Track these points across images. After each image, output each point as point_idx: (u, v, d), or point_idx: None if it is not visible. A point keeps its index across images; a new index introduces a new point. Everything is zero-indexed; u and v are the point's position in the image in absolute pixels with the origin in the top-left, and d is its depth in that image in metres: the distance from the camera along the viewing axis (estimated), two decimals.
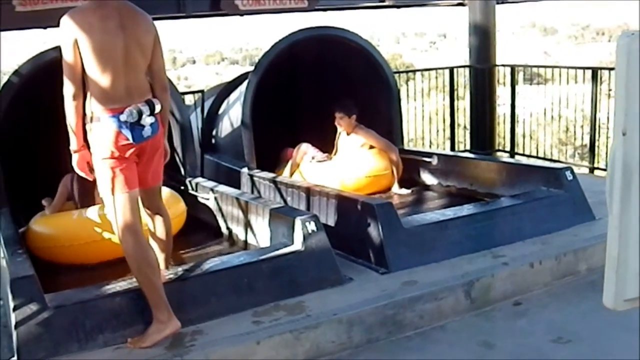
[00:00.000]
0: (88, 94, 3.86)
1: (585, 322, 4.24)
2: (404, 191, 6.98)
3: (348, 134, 7.15)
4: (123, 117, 3.80)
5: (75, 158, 3.99)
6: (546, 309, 4.49)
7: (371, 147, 7.10)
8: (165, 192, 5.56)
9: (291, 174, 7.16)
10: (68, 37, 3.78)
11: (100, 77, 3.80)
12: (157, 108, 3.94)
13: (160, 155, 4.21)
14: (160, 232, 4.48)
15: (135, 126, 3.83)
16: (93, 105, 3.85)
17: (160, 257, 4.39)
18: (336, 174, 6.78)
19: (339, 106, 7.09)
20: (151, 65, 4.06)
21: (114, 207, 3.89)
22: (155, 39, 4.06)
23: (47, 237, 5.50)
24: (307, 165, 7.16)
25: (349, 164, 6.94)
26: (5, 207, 5.87)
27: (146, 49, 3.98)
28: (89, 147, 3.97)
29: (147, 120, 3.86)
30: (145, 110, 3.85)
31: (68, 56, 3.80)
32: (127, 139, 3.83)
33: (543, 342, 4.03)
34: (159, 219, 4.45)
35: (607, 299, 1.95)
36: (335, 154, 7.30)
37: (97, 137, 3.87)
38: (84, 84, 3.85)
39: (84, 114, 3.89)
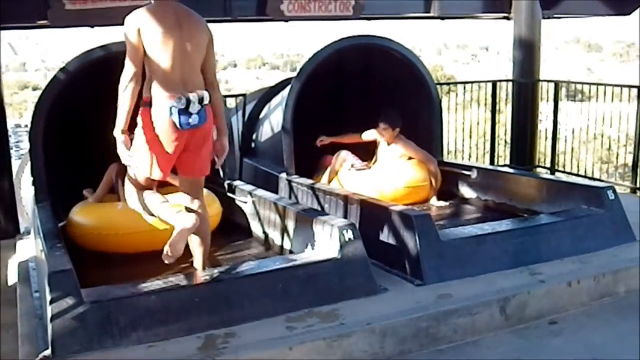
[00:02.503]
0: (145, 81, 4.28)
1: (622, 344, 4.18)
2: (442, 203, 6.95)
3: (388, 144, 7.13)
4: (172, 103, 4.17)
5: (120, 141, 4.31)
6: (582, 329, 4.42)
7: (410, 157, 7.07)
8: None
9: (329, 181, 7.15)
10: (133, 27, 4.18)
11: (157, 65, 4.22)
12: (206, 100, 4.27)
13: (208, 149, 4.51)
14: (197, 237, 4.63)
15: (183, 113, 4.17)
16: (147, 90, 4.27)
17: (197, 252, 4.65)
18: (374, 183, 6.76)
19: (384, 117, 7.07)
20: (203, 65, 4.43)
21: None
22: (210, 41, 4.46)
23: (89, 225, 5.68)
24: (346, 173, 7.15)
25: (388, 173, 6.91)
26: (46, 201, 5.94)
27: (200, 47, 4.36)
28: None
29: (194, 108, 4.19)
30: (194, 99, 4.18)
31: (132, 44, 4.20)
32: (175, 124, 4.21)
33: None
34: (202, 219, 4.58)
35: None
36: (374, 163, 7.29)
37: (145, 119, 4.27)
38: (143, 73, 4.27)
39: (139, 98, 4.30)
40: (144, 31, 4.17)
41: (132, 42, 4.19)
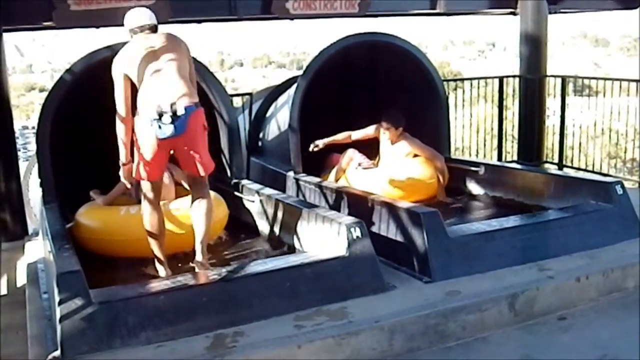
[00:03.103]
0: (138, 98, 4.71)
1: (631, 339, 4.16)
2: (449, 199, 6.92)
3: (393, 144, 7.11)
4: (149, 115, 4.54)
5: (122, 170, 4.95)
6: (591, 324, 4.41)
7: (415, 155, 7.05)
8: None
9: (337, 180, 7.13)
10: (116, 70, 4.75)
11: (139, 86, 4.67)
12: (180, 111, 4.55)
13: (199, 152, 4.76)
14: (198, 214, 4.91)
15: (157, 123, 4.53)
16: (138, 106, 4.67)
17: (199, 231, 4.87)
18: (381, 182, 6.75)
19: (386, 116, 7.04)
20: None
21: (141, 187, 4.91)
22: (189, 57, 4.91)
23: (91, 229, 5.73)
24: (353, 172, 7.13)
25: (395, 171, 6.89)
26: (54, 202, 5.95)
27: (181, 60, 4.78)
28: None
29: (166, 120, 4.51)
30: (167, 111, 4.52)
31: (118, 84, 4.74)
32: (154, 134, 4.57)
33: (587, 359, 3.95)
34: (201, 203, 4.92)
35: None
36: (378, 162, 7.26)
37: (136, 131, 4.70)
38: (134, 104, 4.75)
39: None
40: (127, 67, 4.72)
41: (118, 82, 4.75)
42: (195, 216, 4.92)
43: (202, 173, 4.82)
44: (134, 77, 4.69)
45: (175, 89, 4.63)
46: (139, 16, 4.92)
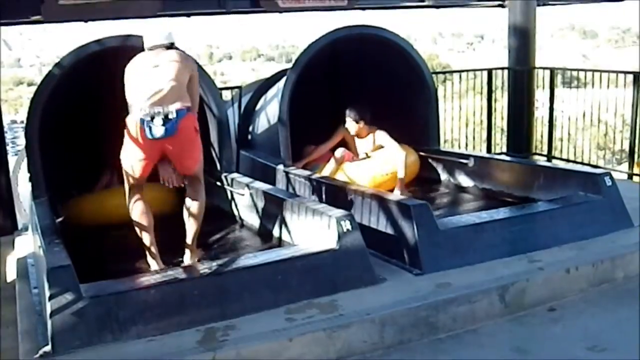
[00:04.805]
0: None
1: (621, 330, 4.19)
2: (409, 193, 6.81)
3: (360, 138, 7.10)
4: (141, 115, 4.69)
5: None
6: (581, 315, 4.43)
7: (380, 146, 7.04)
8: None
9: (331, 175, 7.08)
10: (125, 75, 4.98)
11: (134, 87, 4.86)
12: (172, 115, 4.70)
13: (189, 154, 4.96)
14: (190, 215, 5.06)
15: (149, 124, 4.67)
16: (130, 102, 4.85)
17: (189, 232, 5.05)
18: (364, 173, 6.74)
19: (350, 111, 7.07)
20: (188, 87, 4.97)
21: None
22: (193, 73, 5.05)
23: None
24: (346, 167, 7.08)
25: (376, 163, 6.87)
26: (44, 197, 5.93)
27: (180, 69, 4.89)
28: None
29: (158, 122, 4.66)
30: (158, 114, 4.67)
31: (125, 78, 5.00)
32: (144, 133, 4.70)
33: (577, 350, 3.97)
34: (193, 204, 5.06)
35: None
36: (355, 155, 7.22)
37: (128, 128, 4.82)
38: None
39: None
40: (128, 68, 4.95)
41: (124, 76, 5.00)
42: (187, 217, 5.06)
43: (190, 173, 5.02)
44: (131, 76, 4.90)
45: (168, 91, 4.76)
46: (156, 35, 5.12)
